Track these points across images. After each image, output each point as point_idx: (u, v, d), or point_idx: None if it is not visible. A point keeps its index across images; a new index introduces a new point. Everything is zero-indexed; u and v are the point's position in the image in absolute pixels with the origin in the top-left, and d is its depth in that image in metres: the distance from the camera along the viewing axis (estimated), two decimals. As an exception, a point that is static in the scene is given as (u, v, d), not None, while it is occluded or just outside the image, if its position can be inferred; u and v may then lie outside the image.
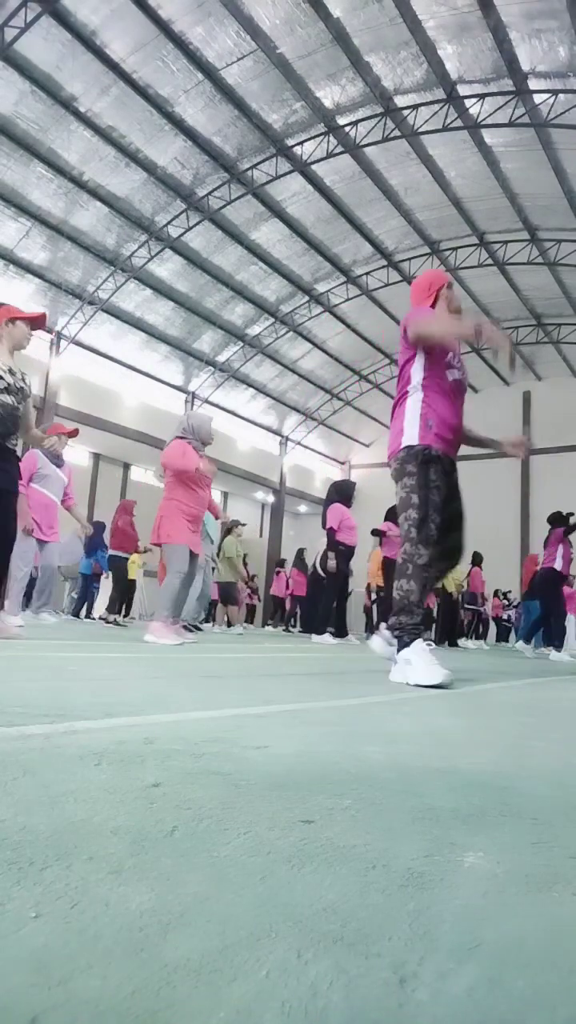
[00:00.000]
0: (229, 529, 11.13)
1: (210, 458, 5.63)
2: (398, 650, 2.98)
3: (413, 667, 2.83)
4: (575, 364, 23.85)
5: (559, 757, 1.33)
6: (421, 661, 2.84)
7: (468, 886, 0.60)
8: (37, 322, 4.18)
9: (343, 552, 8.24)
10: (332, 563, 8.13)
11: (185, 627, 7.96)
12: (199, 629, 8.57)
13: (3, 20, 11.32)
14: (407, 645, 2.93)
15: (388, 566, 9.21)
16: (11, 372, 3.99)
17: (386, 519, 9.00)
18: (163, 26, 11.88)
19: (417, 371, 3.22)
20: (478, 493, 23.70)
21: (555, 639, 8.13)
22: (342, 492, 8.40)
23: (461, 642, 11.47)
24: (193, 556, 5.44)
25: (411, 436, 3.16)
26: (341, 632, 8.72)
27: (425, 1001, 0.41)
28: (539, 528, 22.46)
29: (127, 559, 10.58)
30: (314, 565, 9.80)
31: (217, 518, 6.02)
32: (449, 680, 2.74)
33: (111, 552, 10.45)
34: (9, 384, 3.93)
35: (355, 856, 0.65)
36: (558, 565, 8.10)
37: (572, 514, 8.49)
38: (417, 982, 0.43)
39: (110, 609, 10.56)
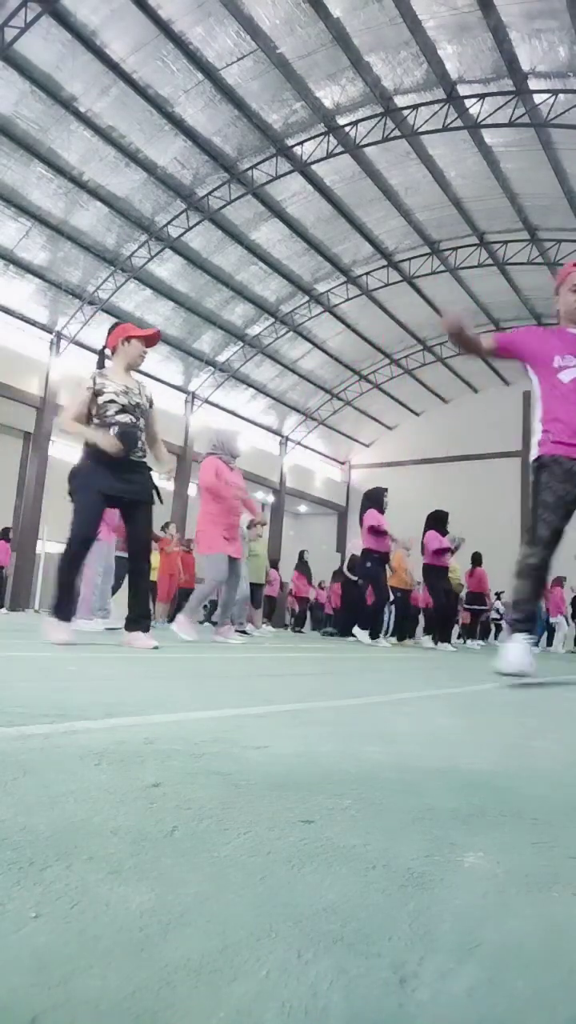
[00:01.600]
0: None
1: (255, 507, 6.35)
2: (503, 643, 3.18)
3: (509, 654, 3.02)
4: (575, 364, 23.83)
5: (559, 757, 1.33)
6: (518, 652, 3.01)
7: (468, 886, 0.60)
8: (151, 340, 4.27)
9: (379, 558, 8.54)
10: (370, 567, 8.42)
11: (237, 631, 8.16)
12: (245, 632, 8.75)
13: (3, 20, 11.33)
14: (512, 637, 3.12)
15: (427, 572, 9.25)
16: (127, 392, 4.09)
17: (426, 528, 8.94)
18: (163, 26, 11.89)
19: (533, 382, 3.36)
20: (478, 493, 23.77)
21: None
22: (376, 499, 8.59)
23: (460, 642, 11.47)
24: (234, 560, 5.89)
25: (533, 451, 3.32)
26: (375, 634, 8.92)
27: (425, 1001, 0.41)
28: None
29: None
30: (344, 570, 10.01)
31: (255, 516, 6.41)
32: (524, 671, 2.94)
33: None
34: (124, 405, 4.05)
35: (355, 856, 0.65)
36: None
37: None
38: (417, 982, 0.43)
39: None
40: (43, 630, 4.04)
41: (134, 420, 4.07)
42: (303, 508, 27.01)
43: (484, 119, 13.52)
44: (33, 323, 16.99)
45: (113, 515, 6.48)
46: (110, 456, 3.92)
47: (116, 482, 3.95)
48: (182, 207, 16.09)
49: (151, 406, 4.23)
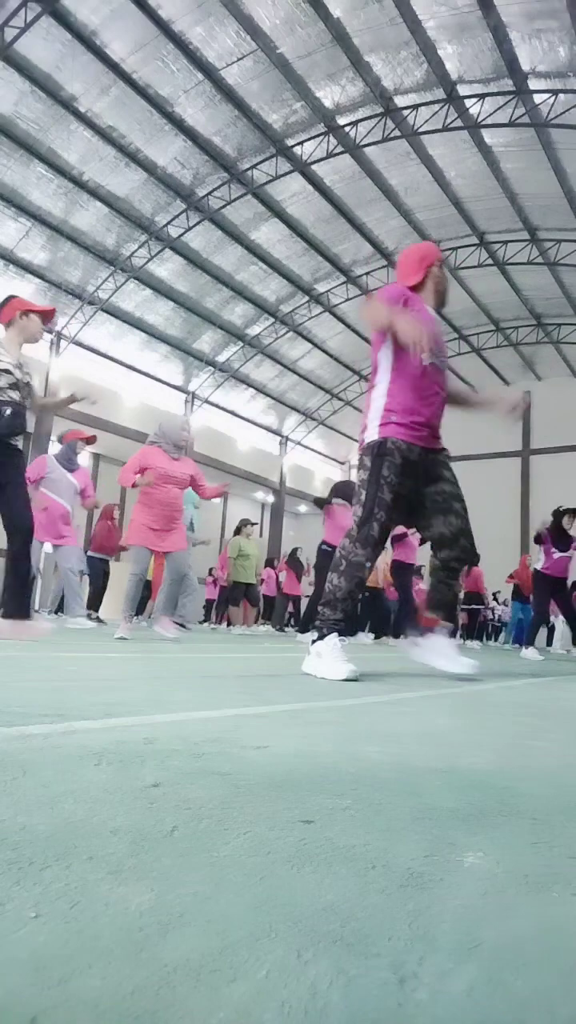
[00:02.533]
0: (238, 529, 11.33)
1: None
2: (313, 642, 2.99)
3: (322, 660, 2.84)
4: (575, 364, 23.85)
5: (559, 757, 1.33)
6: (330, 656, 2.83)
7: (468, 886, 0.60)
8: (47, 316, 4.14)
9: (398, 568, 8.55)
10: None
11: (180, 624, 8.12)
12: (187, 628, 8.73)
13: (3, 20, 11.33)
14: (322, 638, 2.93)
15: (396, 569, 9.26)
16: (20, 366, 3.94)
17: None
18: (163, 26, 11.89)
19: (385, 356, 3.08)
20: (478, 493, 23.78)
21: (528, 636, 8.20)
22: (345, 493, 8.43)
23: (459, 642, 11.47)
24: (168, 554, 5.67)
25: (372, 431, 3.07)
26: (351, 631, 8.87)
27: (425, 1001, 0.41)
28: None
29: (107, 561, 10.80)
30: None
31: (204, 495, 6.12)
32: (354, 675, 2.73)
33: (90, 554, 10.64)
34: (17, 380, 3.89)
35: (355, 856, 0.65)
36: (539, 566, 7.93)
37: (569, 511, 8.32)
38: (417, 982, 0.43)
39: (90, 606, 10.78)
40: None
41: (22, 399, 3.93)
42: (303, 508, 27.00)
43: (484, 119, 13.51)
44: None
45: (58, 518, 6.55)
46: None
47: None
48: (182, 207, 16.09)
49: (32, 386, 4.12)
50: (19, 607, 4.01)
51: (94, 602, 10.93)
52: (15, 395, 3.85)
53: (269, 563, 18.19)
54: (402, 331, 2.79)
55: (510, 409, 3.40)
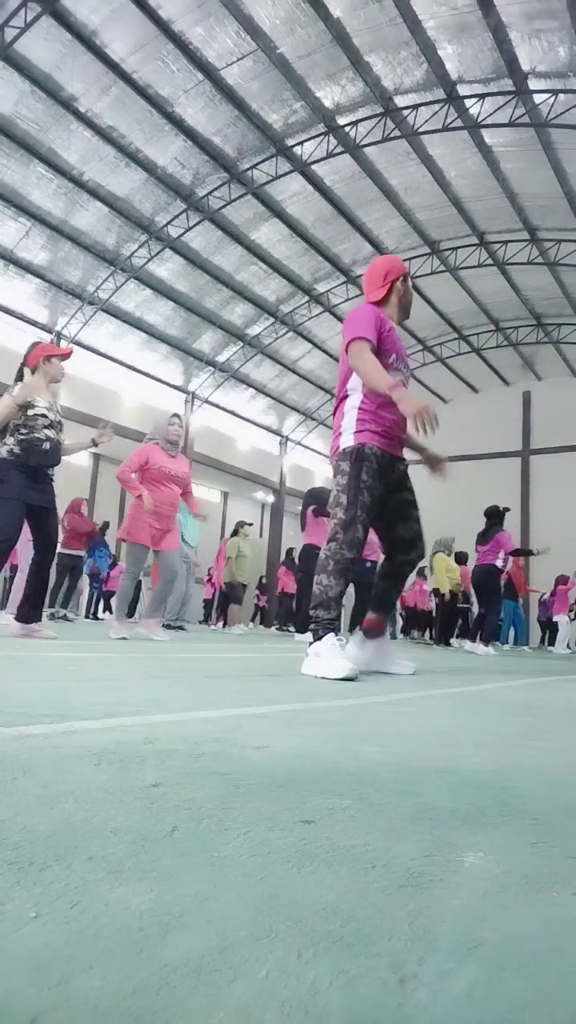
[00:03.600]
0: (235, 530, 11.37)
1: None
2: (310, 643, 3.08)
3: (321, 660, 2.91)
4: (575, 364, 23.86)
5: (559, 757, 1.33)
6: (328, 655, 2.91)
7: (468, 886, 0.60)
8: (67, 357, 4.68)
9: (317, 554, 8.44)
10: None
11: (166, 626, 8.19)
12: (182, 628, 8.80)
13: (3, 20, 11.33)
14: (320, 639, 3.02)
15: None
16: (51, 408, 4.46)
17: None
18: (163, 26, 11.89)
19: (358, 379, 3.23)
20: (478, 493, 23.79)
21: (487, 633, 8.60)
22: (320, 499, 8.63)
23: (453, 642, 11.49)
24: (163, 553, 5.70)
25: (347, 438, 3.20)
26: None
27: (425, 1001, 0.41)
28: (539, 528, 22.53)
29: (80, 557, 10.80)
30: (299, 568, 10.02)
31: (194, 512, 6.18)
32: (354, 674, 2.80)
33: (61, 551, 10.55)
34: (51, 420, 4.41)
35: (355, 856, 0.65)
36: (499, 563, 8.54)
37: (507, 509, 9.04)
38: (417, 982, 0.43)
39: (62, 604, 10.78)
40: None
41: (57, 435, 4.46)
42: (303, 508, 27.01)
43: (484, 119, 13.51)
44: (33, 323, 16.99)
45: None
46: (32, 467, 4.31)
47: (32, 491, 4.36)
48: (182, 207, 16.08)
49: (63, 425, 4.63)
50: (36, 613, 4.54)
51: (65, 599, 10.94)
52: (51, 432, 4.39)
53: (281, 564, 18.21)
54: (403, 404, 2.92)
55: (435, 462, 3.58)
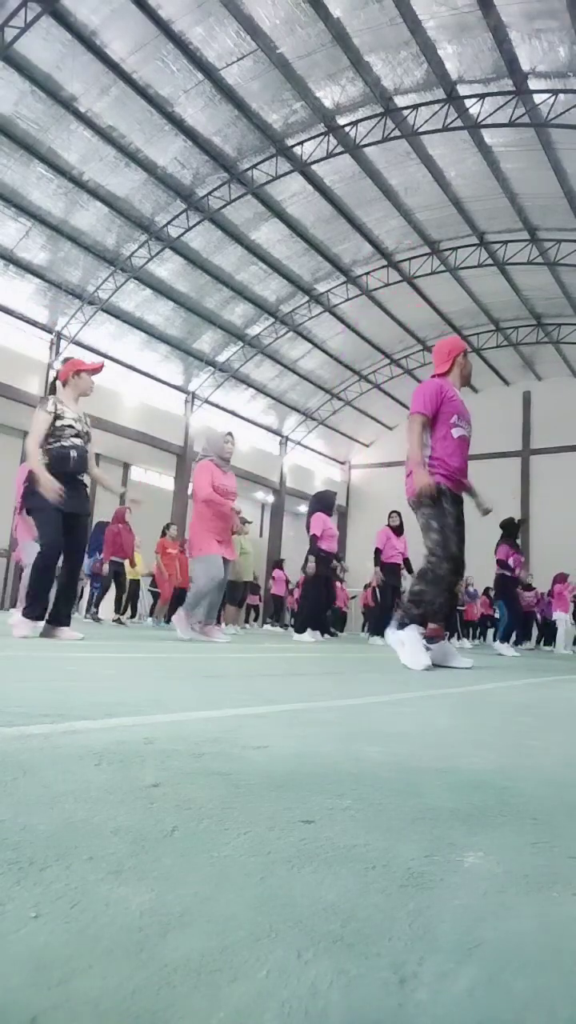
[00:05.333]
0: (234, 529, 11.39)
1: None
2: (394, 631, 3.83)
3: (407, 649, 3.66)
4: (575, 364, 23.86)
5: (559, 757, 1.33)
6: (412, 646, 3.67)
7: (468, 886, 0.60)
8: (97, 371, 4.88)
9: (323, 558, 8.68)
10: (312, 567, 8.71)
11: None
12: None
13: (3, 20, 11.33)
14: (403, 627, 3.74)
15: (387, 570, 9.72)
16: (80, 419, 4.70)
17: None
18: (163, 26, 11.89)
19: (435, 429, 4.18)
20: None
21: (506, 634, 8.95)
22: (324, 503, 8.74)
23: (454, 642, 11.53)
24: (227, 562, 6.03)
25: (434, 478, 4.04)
26: (323, 630, 9.32)
27: (425, 1001, 0.41)
28: (539, 528, 22.54)
29: (123, 563, 11.13)
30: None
31: (234, 527, 6.44)
32: (430, 667, 3.53)
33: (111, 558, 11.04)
34: (79, 431, 4.66)
35: (355, 856, 0.65)
36: (504, 571, 8.93)
37: (522, 520, 9.36)
38: (417, 982, 0.43)
39: (116, 610, 11.23)
40: (11, 626, 4.63)
41: (84, 445, 4.68)
42: (303, 508, 26.99)
43: (484, 119, 13.51)
44: (33, 323, 16.99)
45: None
46: (62, 475, 4.51)
47: (68, 498, 4.55)
48: (182, 207, 16.08)
49: (91, 438, 4.86)
50: (66, 616, 4.76)
51: (122, 606, 11.40)
52: (79, 442, 4.64)
53: (278, 565, 18.18)
54: (417, 478, 3.94)
55: (482, 507, 4.48)
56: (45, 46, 12.01)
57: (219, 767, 0.99)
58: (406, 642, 3.65)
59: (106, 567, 11.24)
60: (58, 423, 4.58)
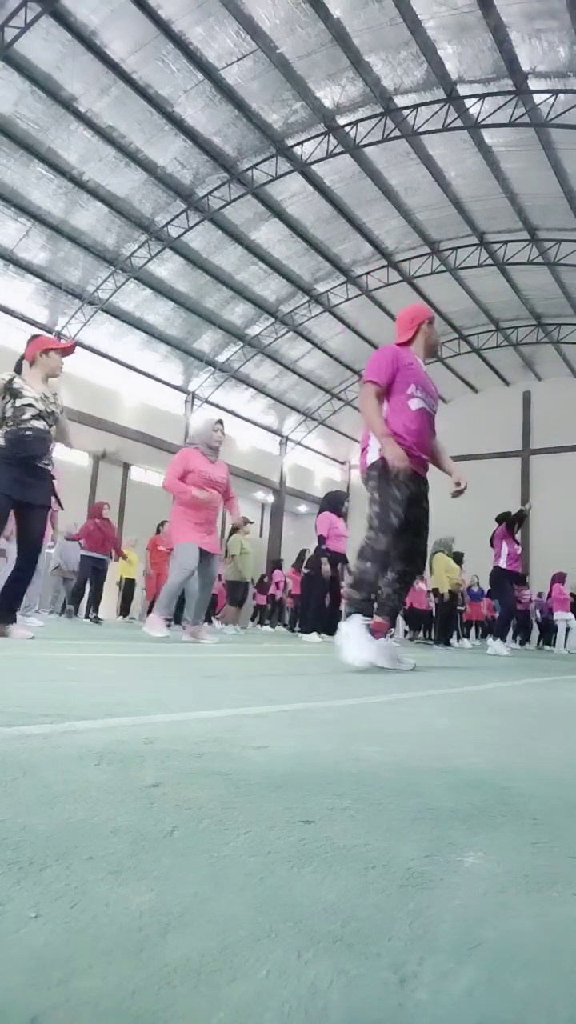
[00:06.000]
0: (235, 528, 11.33)
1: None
2: (343, 620, 3.47)
3: (350, 642, 3.27)
4: (575, 364, 23.86)
5: (559, 757, 1.33)
6: (357, 639, 3.27)
7: (468, 886, 0.60)
8: (68, 352, 4.57)
9: (331, 558, 8.58)
10: (326, 568, 8.53)
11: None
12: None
13: (3, 20, 11.33)
14: (348, 618, 3.39)
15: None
16: (44, 398, 4.35)
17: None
18: (163, 26, 11.89)
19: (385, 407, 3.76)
20: (478, 493, 23.80)
21: (500, 630, 8.67)
22: (333, 502, 8.68)
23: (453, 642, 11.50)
24: (209, 555, 5.74)
25: (373, 454, 3.69)
26: (330, 631, 8.99)
27: (425, 1001, 0.41)
28: (539, 528, 22.52)
29: (103, 560, 10.69)
30: (305, 568, 10.08)
31: (232, 510, 6.25)
32: (366, 666, 3.16)
33: (85, 553, 10.56)
34: (41, 411, 4.30)
35: (355, 856, 0.65)
36: (502, 563, 8.53)
37: (520, 511, 8.99)
38: (417, 982, 0.43)
39: (91, 607, 10.93)
40: None
41: (46, 427, 4.32)
42: (303, 508, 27.00)
43: (484, 119, 13.51)
44: (33, 323, 16.98)
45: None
46: (19, 460, 4.18)
47: (21, 487, 4.22)
48: (182, 207, 16.08)
49: (62, 412, 4.51)
50: (8, 615, 4.38)
51: (94, 602, 11.04)
52: (39, 423, 4.28)
53: (277, 565, 18.14)
54: (386, 449, 3.55)
55: (456, 485, 4.01)
56: (45, 46, 12.01)
57: (219, 767, 0.99)
58: (351, 634, 3.27)
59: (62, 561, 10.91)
60: (17, 402, 4.21)
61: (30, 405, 4.24)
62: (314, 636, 8.32)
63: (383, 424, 3.63)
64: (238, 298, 19.33)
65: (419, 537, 3.79)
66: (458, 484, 3.96)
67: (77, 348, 5.05)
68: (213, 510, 5.80)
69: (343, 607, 3.63)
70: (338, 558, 8.71)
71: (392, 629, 3.93)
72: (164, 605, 5.69)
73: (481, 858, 0.67)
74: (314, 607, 8.79)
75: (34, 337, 4.64)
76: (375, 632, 3.74)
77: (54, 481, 4.58)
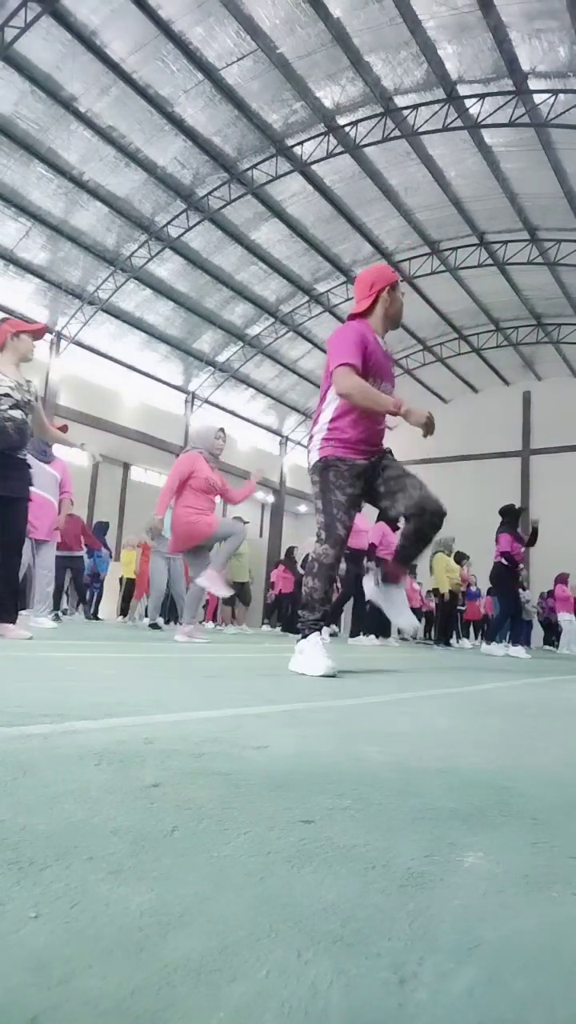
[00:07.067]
0: None
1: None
2: (296, 641, 3.24)
3: (304, 657, 3.05)
4: (575, 364, 23.85)
5: (559, 757, 1.33)
6: (311, 653, 3.05)
7: (468, 886, 0.60)
8: (39, 334, 4.35)
9: (349, 555, 8.40)
10: (341, 569, 8.40)
11: (152, 625, 8.28)
12: (157, 627, 8.88)
13: (3, 20, 11.32)
14: (305, 638, 3.17)
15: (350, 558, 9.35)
16: (19, 386, 4.16)
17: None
18: (163, 26, 11.88)
19: (333, 396, 3.34)
20: (478, 493, 23.80)
21: (493, 632, 8.52)
22: None
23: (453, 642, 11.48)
24: (200, 549, 5.75)
25: (314, 455, 3.41)
26: (384, 632, 9.02)
27: (425, 1001, 0.41)
28: (539, 528, 22.48)
29: (79, 558, 10.49)
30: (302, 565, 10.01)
31: (234, 501, 6.21)
32: (332, 671, 2.93)
33: (58, 553, 10.35)
34: (17, 400, 4.11)
35: (355, 856, 0.65)
36: (504, 560, 8.38)
37: (523, 508, 8.80)
38: (417, 982, 0.43)
39: (79, 604, 10.80)
40: None
41: (23, 417, 4.14)
42: (303, 508, 27.00)
43: (484, 119, 13.50)
44: (33, 323, 16.99)
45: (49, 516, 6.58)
46: None
47: (0, 480, 4.04)
48: (182, 207, 16.08)
49: (38, 400, 4.33)
50: (8, 615, 4.27)
51: (81, 601, 10.96)
52: (16, 414, 4.10)
53: (276, 564, 18.10)
54: (412, 418, 3.17)
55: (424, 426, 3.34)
56: (45, 46, 12.01)
57: (219, 767, 0.99)
58: (305, 649, 3.08)
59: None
60: None
61: (6, 395, 4.06)
62: (372, 639, 8.27)
63: (384, 396, 3.19)
64: (238, 298, 19.33)
65: (407, 490, 3.30)
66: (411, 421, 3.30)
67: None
68: (212, 506, 5.84)
69: (297, 627, 3.35)
70: (358, 555, 8.56)
71: (408, 578, 3.69)
72: (191, 613, 5.93)
73: (481, 858, 0.67)
74: (365, 611, 8.64)
75: (2, 320, 4.38)
76: (389, 575, 3.57)
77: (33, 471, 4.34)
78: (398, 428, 3.63)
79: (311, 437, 3.46)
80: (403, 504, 3.34)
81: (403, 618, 3.62)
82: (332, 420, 3.32)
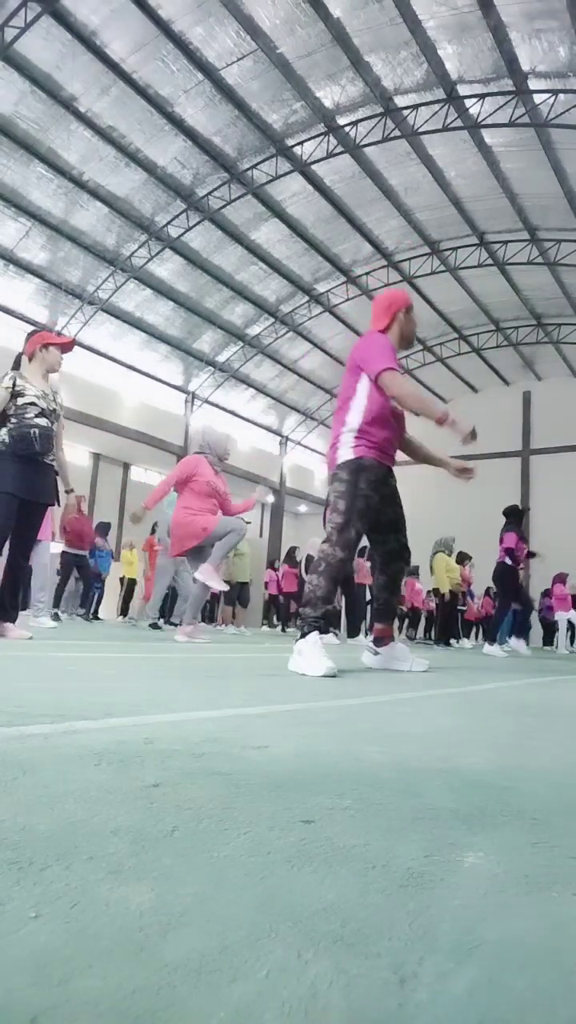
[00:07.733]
0: None
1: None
2: (296, 640, 3.24)
3: (304, 657, 3.05)
4: (575, 364, 23.85)
5: (559, 757, 1.33)
6: (311, 653, 3.05)
7: (468, 886, 0.60)
8: (67, 347, 4.54)
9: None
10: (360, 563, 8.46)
11: (152, 625, 8.28)
12: (157, 627, 8.89)
13: (3, 20, 11.32)
14: (304, 636, 3.17)
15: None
16: (44, 396, 4.34)
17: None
18: (163, 26, 11.88)
19: (362, 392, 3.50)
20: (478, 493, 23.81)
21: (493, 633, 8.48)
22: None
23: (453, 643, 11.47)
24: (199, 551, 5.75)
25: (346, 452, 3.46)
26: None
27: (425, 1001, 0.41)
28: (539, 528, 22.51)
29: (84, 556, 10.49)
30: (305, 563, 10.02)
31: (230, 512, 6.20)
32: (332, 672, 2.92)
33: (65, 550, 10.35)
34: (43, 408, 4.30)
35: (355, 856, 0.65)
36: (508, 559, 8.44)
37: (527, 509, 8.91)
38: (417, 982, 0.43)
39: (81, 604, 10.85)
40: None
41: (49, 424, 4.31)
42: (303, 508, 27.00)
43: (484, 119, 13.50)
44: (33, 323, 16.97)
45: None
46: (23, 457, 4.17)
47: (26, 483, 4.21)
48: (182, 207, 16.08)
49: (60, 416, 4.46)
50: (9, 613, 4.35)
51: (85, 600, 11.00)
52: (42, 421, 4.27)
53: (270, 564, 18.09)
54: (457, 427, 3.40)
55: (460, 471, 3.79)
56: (45, 46, 12.01)
57: (219, 767, 0.99)
58: (304, 650, 3.07)
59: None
60: (19, 401, 4.22)
61: (32, 404, 4.24)
62: (371, 639, 8.28)
63: (434, 401, 3.50)
64: (238, 298, 19.33)
65: (400, 533, 3.65)
66: (464, 472, 3.74)
67: (76, 348, 5.01)
68: (214, 508, 5.83)
69: (297, 624, 3.41)
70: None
71: (394, 632, 3.87)
72: (192, 613, 5.94)
73: (481, 858, 0.67)
74: (363, 611, 8.66)
75: (33, 332, 4.61)
76: (382, 639, 3.77)
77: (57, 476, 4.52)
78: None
79: (337, 436, 3.52)
80: (393, 544, 3.66)
81: (416, 664, 3.70)
82: (364, 423, 3.45)
